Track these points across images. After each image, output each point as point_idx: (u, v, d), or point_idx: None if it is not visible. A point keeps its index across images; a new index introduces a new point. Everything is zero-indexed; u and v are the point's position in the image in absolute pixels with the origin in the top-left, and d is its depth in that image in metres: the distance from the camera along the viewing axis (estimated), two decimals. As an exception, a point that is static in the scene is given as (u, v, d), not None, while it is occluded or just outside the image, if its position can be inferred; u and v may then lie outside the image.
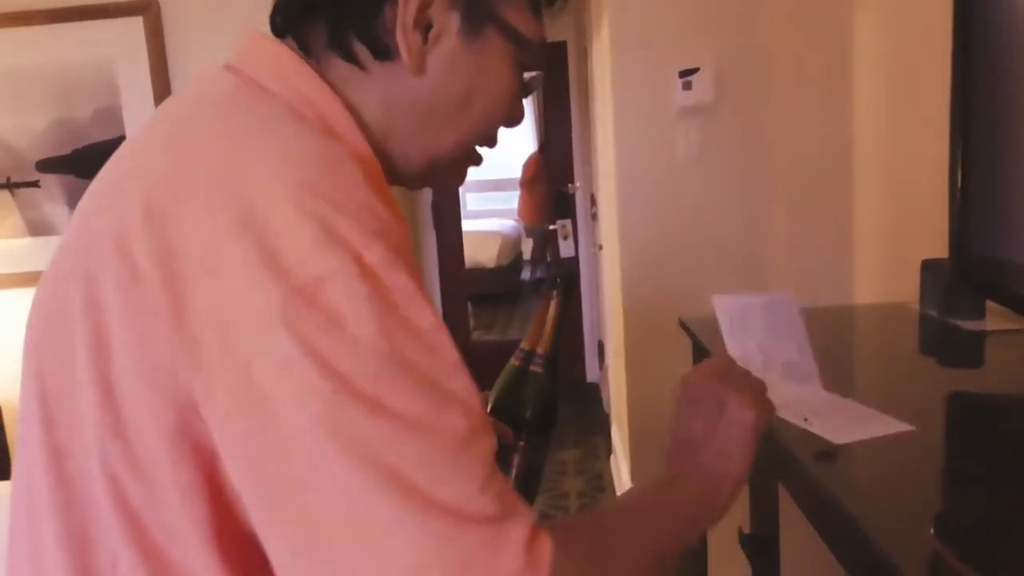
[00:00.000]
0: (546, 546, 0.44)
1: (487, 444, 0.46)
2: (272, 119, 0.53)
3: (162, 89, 2.39)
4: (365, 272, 0.45)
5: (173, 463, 0.47)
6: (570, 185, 4.61)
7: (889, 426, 0.77)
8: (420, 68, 0.58)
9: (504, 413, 0.75)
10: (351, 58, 0.58)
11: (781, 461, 0.94)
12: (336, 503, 0.42)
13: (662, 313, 2.42)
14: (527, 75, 0.64)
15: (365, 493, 0.42)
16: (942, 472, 0.77)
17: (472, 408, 0.46)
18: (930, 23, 1.57)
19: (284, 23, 0.61)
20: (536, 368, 0.76)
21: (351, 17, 0.58)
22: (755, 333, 0.80)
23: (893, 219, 1.92)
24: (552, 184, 4.71)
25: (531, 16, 0.62)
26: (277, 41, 0.60)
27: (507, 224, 6.82)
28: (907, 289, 1.65)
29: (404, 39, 0.57)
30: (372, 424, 0.42)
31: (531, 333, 0.76)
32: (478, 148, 0.65)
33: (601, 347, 4.17)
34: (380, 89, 0.59)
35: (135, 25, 2.38)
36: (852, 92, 2.12)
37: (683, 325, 1.45)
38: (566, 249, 4.47)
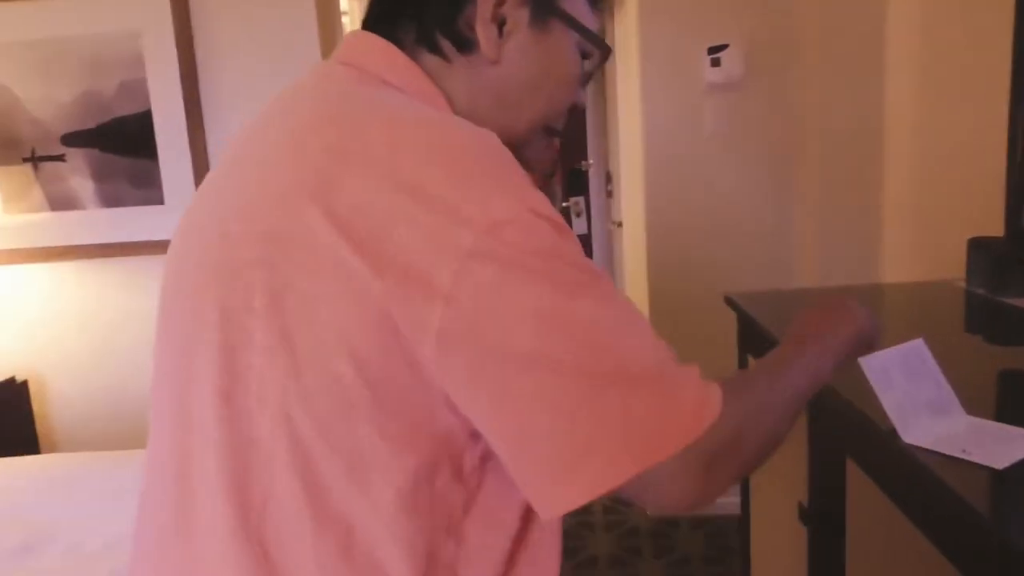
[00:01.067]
0: (717, 388, 0.55)
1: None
2: (412, 106, 0.60)
3: (188, 64, 2.38)
4: (544, 216, 0.53)
5: (373, 409, 0.53)
6: (583, 162, 4.59)
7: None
8: (497, 57, 0.66)
9: None
10: (438, 51, 0.66)
11: (851, 437, 0.96)
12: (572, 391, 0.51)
13: (688, 289, 2.43)
14: (587, 63, 0.72)
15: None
16: None
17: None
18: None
19: (377, 23, 0.68)
20: None
21: (437, 16, 0.66)
22: (899, 384, 0.84)
23: (927, 198, 1.92)
24: (565, 161, 4.70)
25: (588, 7, 0.71)
26: (383, 39, 0.67)
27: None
28: (942, 267, 1.66)
29: (483, 32, 0.65)
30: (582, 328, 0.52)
31: None
32: (553, 127, 0.72)
33: (614, 324, 4.18)
34: (463, 78, 0.67)
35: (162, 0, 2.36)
36: (883, 68, 2.11)
37: (730, 301, 1.46)
38: (578, 227, 4.47)
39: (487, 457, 0.57)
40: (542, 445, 0.51)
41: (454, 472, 0.56)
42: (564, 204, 4.62)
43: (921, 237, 1.96)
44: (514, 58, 0.66)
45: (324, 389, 0.53)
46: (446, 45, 0.66)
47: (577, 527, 2.72)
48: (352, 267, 0.51)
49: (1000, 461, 0.76)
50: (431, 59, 0.66)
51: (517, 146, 0.67)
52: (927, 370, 0.87)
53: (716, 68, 2.37)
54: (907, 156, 2.02)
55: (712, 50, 2.36)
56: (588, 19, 0.70)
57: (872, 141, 2.18)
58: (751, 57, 2.35)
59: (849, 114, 2.24)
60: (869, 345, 0.78)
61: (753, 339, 1.38)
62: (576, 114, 0.74)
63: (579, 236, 4.85)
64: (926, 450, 0.79)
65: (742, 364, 1.45)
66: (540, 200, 0.54)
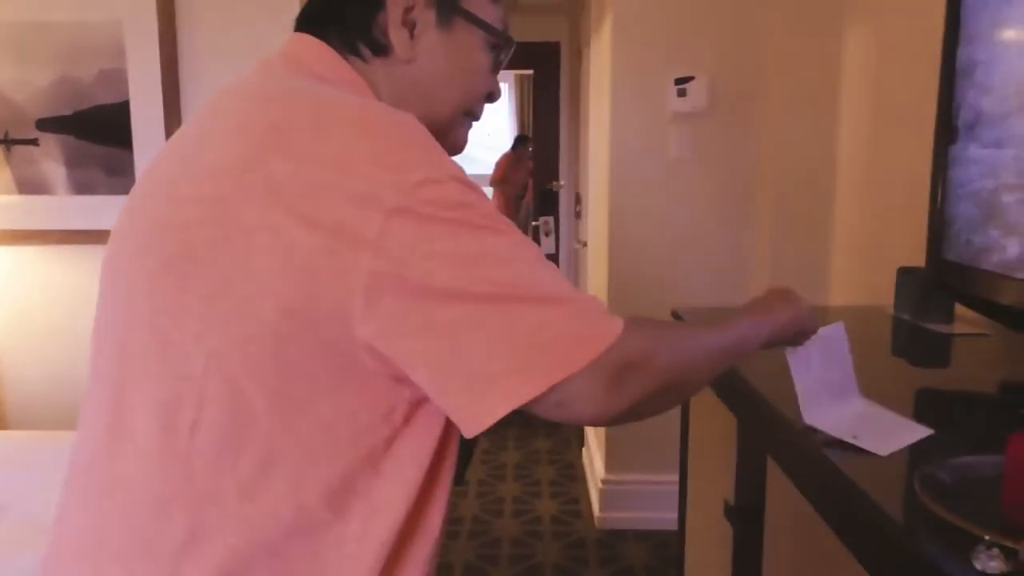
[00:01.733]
0: (618, 317, 0.63)
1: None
2: (338, 93, 0.69)
3: (169, 56, 2.42)
4: (456, 178, 0.62)
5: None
6: (555, 183, 4.69)
7: (915, 432, 0.87)
8: (410, 56, 0.75)
9: None
10: (358, 54, 0.75)
11: (770, 433, 1.03)
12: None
13: (647, 308, 2.51)
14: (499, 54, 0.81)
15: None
16: (922, 448, 0.86)
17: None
18: (916, 46, 1.67)
19: (309, 26, 0.77)
20: None
21: (354, 23, 0.75)
22: (814, 369, 0.92)
23: (870, 228, 2.03)
24: (537, 181, 4.78)
25: (491, 5, 0.79)
26: (315, 39, 0.75)
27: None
28: (881, 294, 1.76)
29: (396, 36, 0.74)
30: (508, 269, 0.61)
31: None
32: (472, 113, 0.82)
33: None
34: (384, 75, 0.76)
35: (147, -10, 2.40)
36: (839, 107, 2.23)
37: (675, 315, 1.54)
38: (547, 245, 4.56)
39: (418, 403, 0.64)
40: (462, 367, 0.58)
41: (380, 413, 0.63)
42: (534, 223, 4.71)
43: (865, 265, 2.06)
44: (426, 55, 0.75)
45: (255, 333, 0.59)
46: (364, 49, 0.75)
47: (526, 536, 2.78)
48: (284, 225, 0.58)
49: (885, 449, 0.83)
50: (355, 59, 0.76)
51: (442, 131, 0.77)
52: (840, 355, 0.95)
53: (682, 98, 2.48)
54: (856, 190, 2.13)
55: (679, 81, 2.47)
56: (491, 15, 0.78)
57: (825, 174, 2.29)
58: (715, 89, 2.46)
59: (805, 148, 2.35)
60: (803, 332, 0.88)
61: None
62: (491, 101, 0.84)
63: (547, 255, 4.95)
64: (830, 441, 0.86)
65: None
66: (453, 165, 0.63)
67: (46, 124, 2.47)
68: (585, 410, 0.60)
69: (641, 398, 0.62)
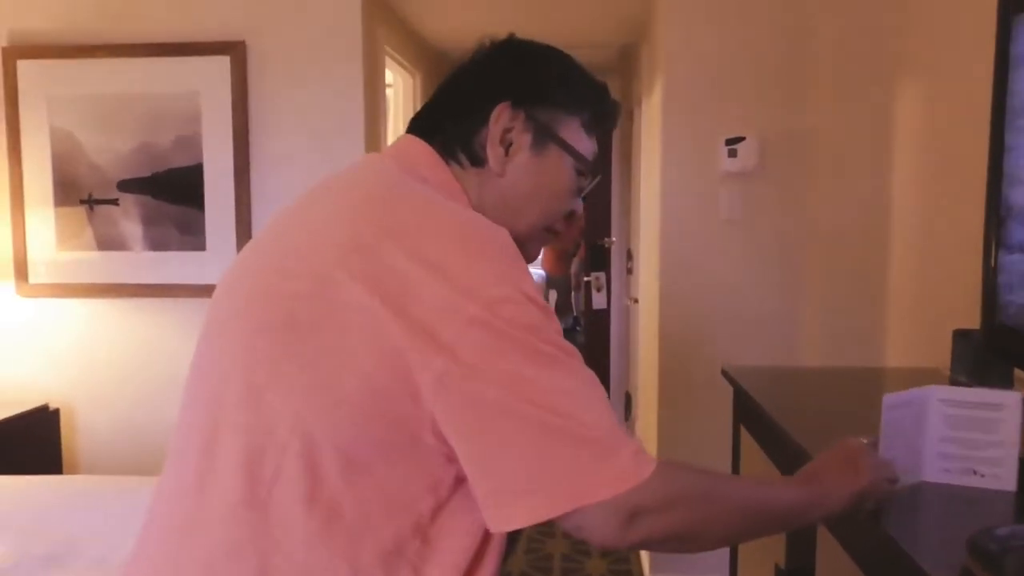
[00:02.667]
0: (651, 460, 0.67)
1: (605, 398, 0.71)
2: (440, 198, 0.77)
3: (241, 122, 2.57)
4: (533, 300, 0.68)
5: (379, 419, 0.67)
6: (606, 239, 4.73)
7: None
8: (502, 172, 0.83)
9: None
10: (457, 160, 0.83)
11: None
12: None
13: (697, 367, 2.51)
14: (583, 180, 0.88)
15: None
16: (968, 506, 0.86)
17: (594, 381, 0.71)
18: (967, 107, 1.68)
19: (419, 132, 0.86)
20: None
21: (457, 135, 0.83)
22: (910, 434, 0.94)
23: (925, 290, 2.01)
24: (589, 237, 4.84)
25: (585, 136, 0.86)
26: (423, 143, 0.84)
27: (535, 273, 6.97)
28: (936, 356, 1.74)
29: (492, 152, 0.82)
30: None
31: None
32: (551, 228, 0.89)
33: (628, 398, 4.24)
34: (476, 182, 0.83)
35: (222, 63, 2.56)
36: (891, 167, 2.23)
37: (725, 374, 1.54)
38: (598, 301, 4.58)
39: (460, 481, 0.70)
40: (499, 475, 0.65)
41: (427, 484, 0.69)
42: (586, 279, 4.74)
43: (919, 328, 2.04)
44: (517, 173, 0.83)
45: (339, 401, 0.66)
46: (463, 157, 0.83)
47: (536, 572, 2.76)
48: (377, 312, 0.65)
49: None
50: (453, 165, 0.83)
51: (521, 241, 0.82)
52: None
53: (733, 159, 2.51)
54: (910, 251, 2.12)
55: (729, 141, 2.51)
56: (583, 144, 0.85)
57: (878, 235, 2.28)
58: (766, 149, 2.49)
59: (856, 207, 2.35)
60: (869, 499, 0.84)
61: (746, 411, 1.46)
62: (571, 220, 0.90)
63: (597, 310, 4.94)
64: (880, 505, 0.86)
65: (735, 433, 1.52)
66: (533, 287, 0.69)
67: (126, 185, 2.64)
68: (597, 538, 0.67)
69: (652, 539, 0.68)
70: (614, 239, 4.70)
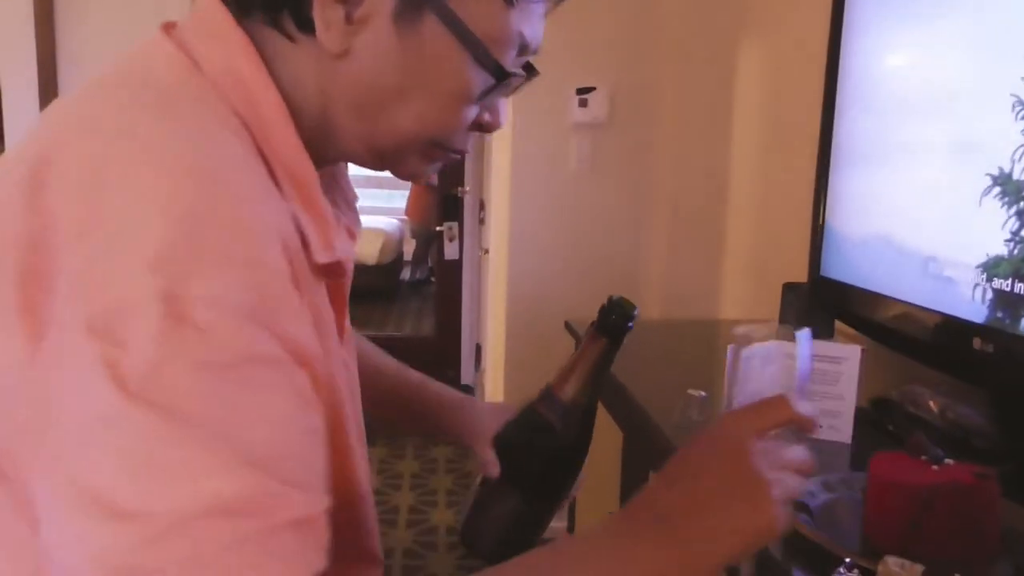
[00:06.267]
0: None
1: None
2: (172, 131, 0.47)
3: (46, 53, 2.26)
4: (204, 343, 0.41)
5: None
6: (459, 188, 4.66)
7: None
8: (340, 49, 0.52)
9: (505, 450, 0.65)
10: (279, 26, 0.53)
11: (654, 448, 1.03)
12: None
13: (545, 318, 2.51)
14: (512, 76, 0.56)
15: None
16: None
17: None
18: (803, 71, 1.73)
19: None
20: (548, 414, 0.64)
21: None
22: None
23: (760, 244, 2.09)
24: (442, 186, 4.75)
25: (500, 6, 0.53)
26: (225, 9, 0.53)
27: (391, 223, 6.79)
28: (768, 310, 1.81)
29: (321, 13, 0.51)
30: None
31: (561, 371, 0.65)
32: (443, 144, 0.58)
33: (479, 350, 4.24)
34: (312, 67, 0.53)
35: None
36: (731, 124, 2.29)
37: (568, 327, 1.53)
38: (451, 252, 4.52)
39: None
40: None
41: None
42: (438, 228, 4.66)
43: (753, 281, 2.12)
44: (369, 56, 0.52)
45: None
46: (290, 26, 0.53)
47: (419, 547, 2.74)
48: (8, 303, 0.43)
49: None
50: (277, 38, 0.53)
51: (392, 157, 0.58)
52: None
53: (583, 108, 2.50)
54: (746, 207, 2.19)
55: (580, 91, 2.49)
56: (492, 21, 0.53)
57: (717, 190, 2.35)
58: (616, 101, 2.49)
59: (699, 163, 2.40)
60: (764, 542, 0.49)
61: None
62: (487, 131, 0.61)
63: (450, 261, 4.89)
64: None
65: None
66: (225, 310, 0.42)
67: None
68: None
69: None
70: (467, 188, 4.63)
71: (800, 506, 0.72)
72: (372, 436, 4.18)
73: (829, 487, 0.77)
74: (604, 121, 2.49)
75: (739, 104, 2.24)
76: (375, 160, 0.59)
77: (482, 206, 4.12)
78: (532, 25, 0.56)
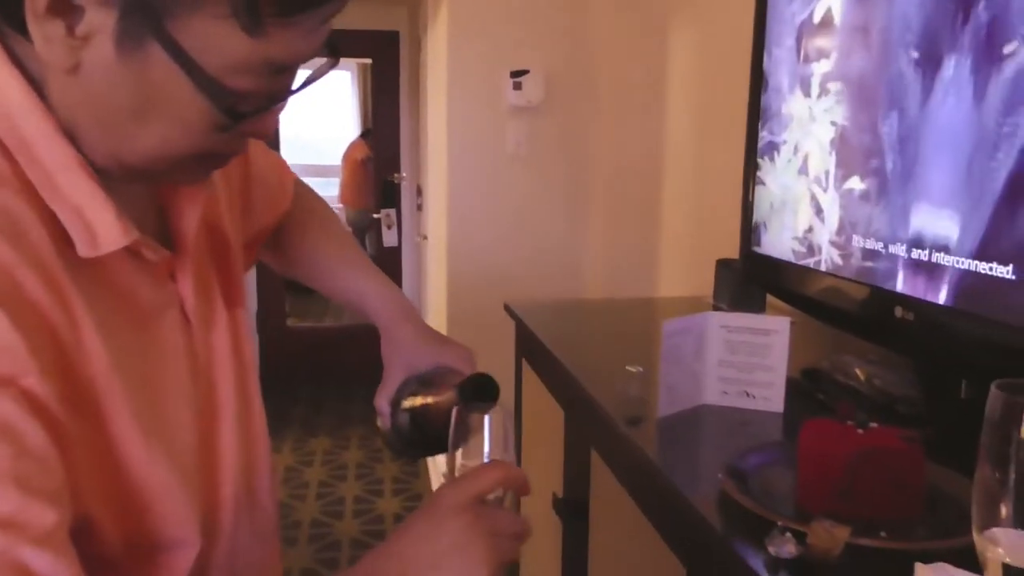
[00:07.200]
0: None
1: None
2: None
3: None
4: None
5: None
6: (396, 175, 4.61)
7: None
8: (68, 64, 0.48)
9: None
10: (16, 26, 0.48)
11: (593, 426, 1.05)
12: None
13: (485, 301, 2.51)
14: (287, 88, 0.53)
15: None
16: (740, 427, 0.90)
17: None
18: (733, 52, 1.76)
19: None
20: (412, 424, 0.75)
21: None
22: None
23: (694, 222, 2.13)
24: (379, 172, 4.69)
25: (237, 32, 0.47)
26: None
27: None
28: (702, 286, 1.85)
29: (38, 29, 0.46)
30: None
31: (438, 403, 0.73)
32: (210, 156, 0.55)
33: (420, 337, 4.22)
34: (52, 79, 0.50)
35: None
36: (665, 106, 2.32)
37: (508, 309, 1.53)
38: (389, 239, 4.48)
39: None
40: None
41: None
42: (375, 215, 4.60)
43: (689, 258, 2.16)
44: (97, 74, 0.48)
45: None
46: (16, 37, 0.49)
47: (326, 515, 2.77)
48: None
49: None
50: (20, 40, 0.49)
51: (146, 176, 0.55)
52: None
53: (518, 91, 2.49)
54: (680, 187, 2.22)
55: (514, 74, 2.48)
56: (229, 48, 0.48)
57: (652, 170, 2.38)
58: (551, 84, 2.49)
59: (634, 145, 2.43)
60: None
61: (527, 346, 1.47)
62: (262, 137, 0.56)
63: (389, 248, 4.85)
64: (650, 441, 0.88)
65: (517, 368, 1.53)
66: None
67: None
68: None
69: None
70: (404, 174, 4.59)
71: (736, 474, 0.74)
72: (315, 427, 4.15)
73: (763, 455, 0.79)
74: (539, 104, 2.49)
75: (673, 86, 2.27)
76: (131, 177, 0.55)
77: (419, 192, 4.09)
78: (289, 45, 0.50)
